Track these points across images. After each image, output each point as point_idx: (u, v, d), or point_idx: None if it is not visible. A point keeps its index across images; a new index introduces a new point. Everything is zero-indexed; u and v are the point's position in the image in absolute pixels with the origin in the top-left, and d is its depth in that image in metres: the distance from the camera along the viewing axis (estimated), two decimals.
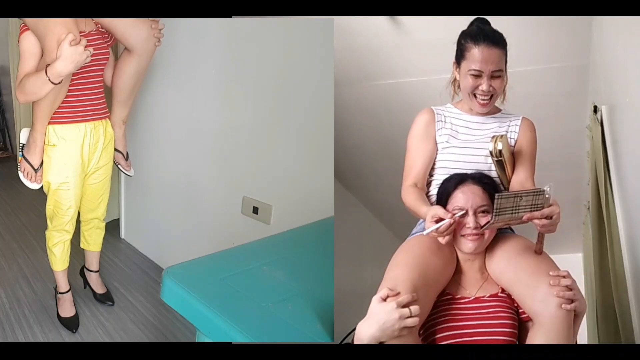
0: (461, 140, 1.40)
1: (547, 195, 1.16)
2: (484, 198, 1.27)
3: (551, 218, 1.17)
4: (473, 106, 1.39)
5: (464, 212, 1.25)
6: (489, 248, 1.30)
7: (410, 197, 1.35)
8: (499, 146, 1.31)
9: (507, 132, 1.41)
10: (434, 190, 1.38)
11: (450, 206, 1.27)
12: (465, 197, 1.26)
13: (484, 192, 1.27)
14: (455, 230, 1.26)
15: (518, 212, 1.16)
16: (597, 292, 2.02)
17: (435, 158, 1.41)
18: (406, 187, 1.38)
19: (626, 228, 1.80)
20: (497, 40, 1.33)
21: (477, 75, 1.33)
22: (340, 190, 3.39)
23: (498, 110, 1.45)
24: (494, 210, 1.16)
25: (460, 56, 1.37)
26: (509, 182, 1.38)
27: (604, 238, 1.91)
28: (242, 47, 2.28)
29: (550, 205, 1.17)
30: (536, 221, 1.18)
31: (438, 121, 1.42)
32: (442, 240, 1.24)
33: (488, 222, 1.23)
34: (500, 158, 1.33)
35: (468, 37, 1.35)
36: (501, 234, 1.32)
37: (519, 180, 1.36)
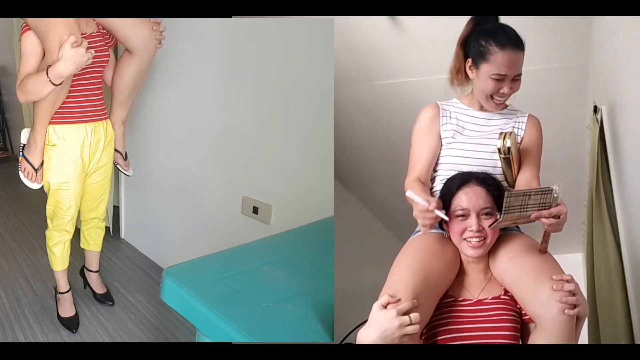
0: (467, 136, 1.39)
1: (555, 195, 1.15)
2: (487, 200, 1.25)
3: (559, 217, 1.16)
4: (488, 106, 1.38)
5: (428, 203, 1.22)
6: (493, 247, 1.28)
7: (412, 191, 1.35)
8: (508, 143, 1.31)
9: (513, 128, 1.41)
10: (438, 185, 1.37)
11: (452, 207, 1.26)
12: (468, 199, 1.25)
13: (487, 193, 1.26)
14: (458, 234, 1.25)
15: (526, 211, 1.16)
16: (587, 291, 2.02)
17: (440, 153, 1.40)
18: (409, 181, 1.37)
19: (626, 228, 1.79)
20: (520, 44, 1.33)
21: (500, 80, 1.33)
22: (340, 190, 3.39)
23: (505, 106, 1.43)
24: (503, 208, 1.15)
25: (480, 57, 1.34)
26: (514, 179, 1.37)
27: (599, 237, 1.90)
28: (242, 47, 2.28)
29: (557, 205, 1.16)
30: (544, 220, 1.17)
31: (443, 116, 1.41)
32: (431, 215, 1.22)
33: (495, 220, 1.22)
34: (508, 155, 1.32)
35: (491, 39, 1.32)
36: (506, 233, 1.31)
37: (525, 179, 1.35)
